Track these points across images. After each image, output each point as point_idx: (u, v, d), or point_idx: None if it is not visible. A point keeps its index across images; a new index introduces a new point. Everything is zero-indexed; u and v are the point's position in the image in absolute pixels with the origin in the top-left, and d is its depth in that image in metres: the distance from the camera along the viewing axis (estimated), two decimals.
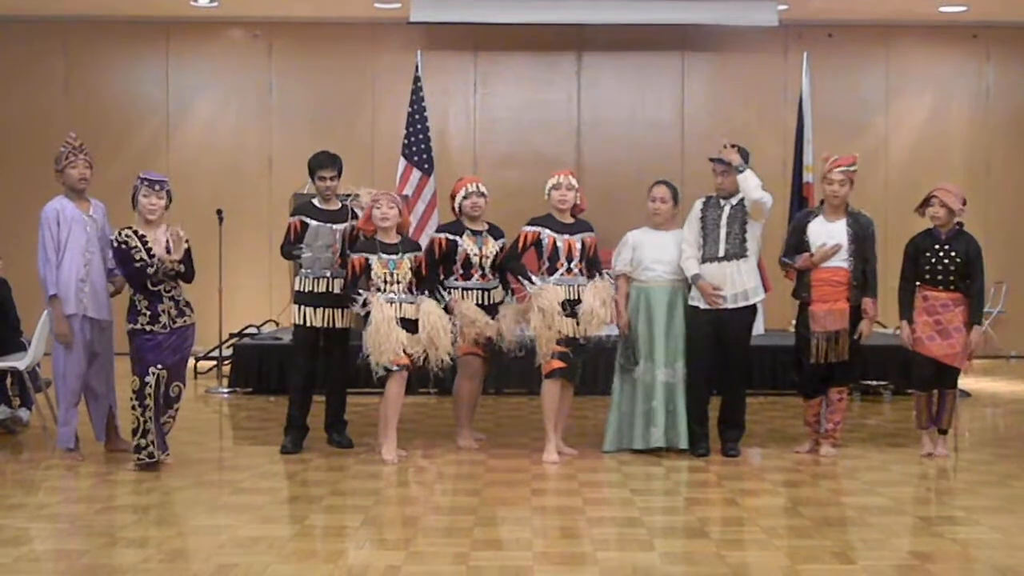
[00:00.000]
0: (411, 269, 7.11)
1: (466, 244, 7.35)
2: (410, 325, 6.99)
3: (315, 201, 7.53)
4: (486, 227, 7.47)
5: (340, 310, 7.33)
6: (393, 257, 7.08)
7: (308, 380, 7.48)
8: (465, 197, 7.41)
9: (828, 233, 7.06)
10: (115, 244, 6.75)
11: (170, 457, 6.85)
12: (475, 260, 7.35)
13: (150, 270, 6.67)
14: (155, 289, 6.74)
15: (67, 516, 5.79)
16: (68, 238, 6.97)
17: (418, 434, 8.01)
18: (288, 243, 7.46)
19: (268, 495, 6.21)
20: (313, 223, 7.38)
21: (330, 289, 7.31)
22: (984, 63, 13.73)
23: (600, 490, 6.35)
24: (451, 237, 7.38)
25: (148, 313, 6.71)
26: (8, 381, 8.05)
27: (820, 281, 7.05)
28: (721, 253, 7.11)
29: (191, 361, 8.46)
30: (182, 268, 6.78)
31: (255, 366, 10.32)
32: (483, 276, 7.39)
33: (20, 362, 7.74)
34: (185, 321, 6.85)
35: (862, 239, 7.07)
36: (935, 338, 7.05)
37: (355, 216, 7.37)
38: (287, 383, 8.08)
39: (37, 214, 7.06)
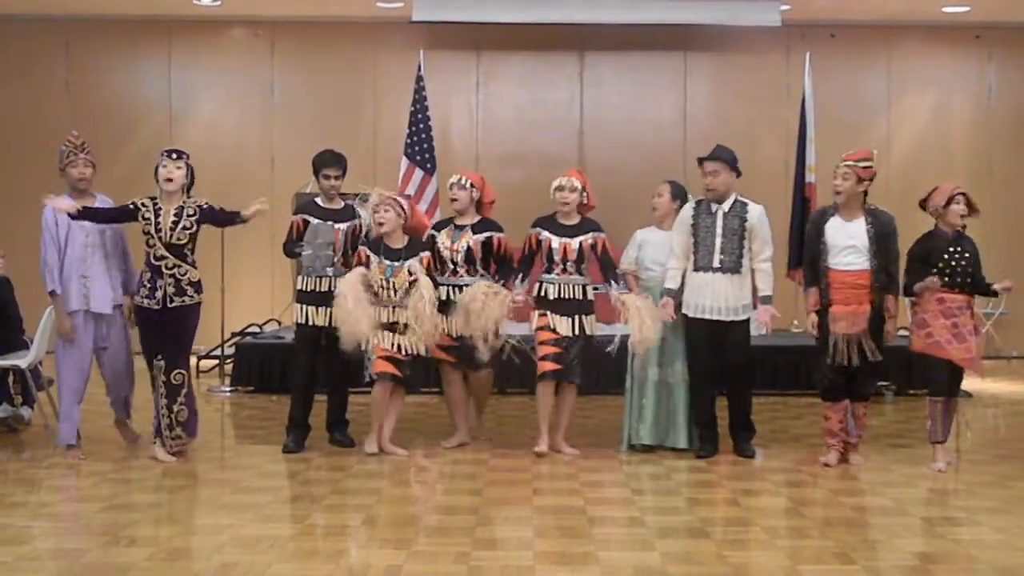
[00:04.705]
0: (409, 280, 7.04)
1: (441, 239, 7.33)
2: (398, 331, 7.04)
3: (319, 200, 7.54)
4: (475, 220, 7.43)
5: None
6: (393, 264, 7.06)
7: (310, 379, 7.49)
8: (449, 188, 7.44)
9: (847, 233, 6.80)
10: (130, 204, 6.93)
11: (162, 450, 6.97)
12: (445, 255, 7.32)
13: (151, 241, 6.84)
14: (157, 264, 6.85)
15: (68, 515, 5.80)
16: (68, 236, 7.02)
17: (418, 434, 8.01)
18: (290, 241, 7.47)
19: (269, 494, 6.21)
20: (314, 221, 7.38)
21: (332, 288, 7.31)
22: (986, 64, 13.73)
23: (601, 490, 6.35)
24: (431, 232, 7.42)
25: (148, 286, 6.86)
26: (10, 379, 8.06)
27: (842, 284, 6.77)
28: (716, 264, 7.01)
29: (192, 360, 8.47)
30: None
31: (257, 365, 10.33)
32: (454, 272, 7.35)
33: (22, 360, 7.74)
34: (184, 301, 6.89)
35: (884, 236, 6.79)
36: (952, 342, 6.77)
37: (357, 216, 7.39)
38: (289, 382, 8.11)
39: (38, 213, 7.08)
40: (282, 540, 5.18)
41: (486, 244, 7.36)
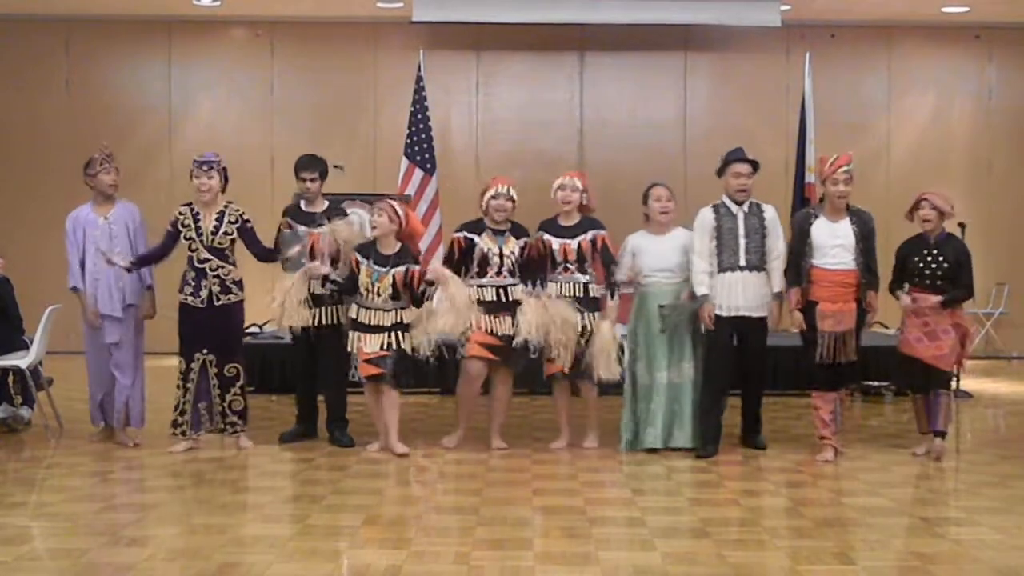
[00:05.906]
0: (392, 285, 7.02)
1: (484, 243, 7.29)
2: (381, 331, 7.04)
3: (301, 203, 7.60)
4: (509, 227, 7.39)
5: (325, 309, 7.38)
6: (380, 269, 7.06)
7: (308, 377, 7.59)
8: (494, 197, 7.34)
9: (833, 233, 6.98)
10: (169, 227, 7.25)
11: (180, 441, 7.22)
12: (494, 259, 7.27)
13: (194, 246, 7.14)
14: (201, 266, 7.14)
15: (68, 515, 5.79)
16: (84, 240, 7.40)
17: (420, 433, 8.01)
18: (276, 244, 7.58)
19: (269, 494, 6.21)
20: (286, 231, 7.50)
21: (311, 290, 7.33)
22: (986, 64, 13.73)
23: (602, 490, 6.35)
24: (469, 236, 7.36)
25: (192, 285, 7.15)
26: (10, 379, 8.07)
27: (829, 282, 6.96)
28: (742, 263, 7.11)
29: None
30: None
31: (257, 365, 10.31)
32: (499, 273, 7.30)
33: (22, 360, 7.75)
34: (230, 299, 7.20)
35: (867, 236, 7.03)
36: (923, 340, 7.08)
37: (344, 216, 7.48)
38: (290, 382, 8.17)
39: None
40: (282, 540, 5.18)
41: (522, 248, 7.39)
